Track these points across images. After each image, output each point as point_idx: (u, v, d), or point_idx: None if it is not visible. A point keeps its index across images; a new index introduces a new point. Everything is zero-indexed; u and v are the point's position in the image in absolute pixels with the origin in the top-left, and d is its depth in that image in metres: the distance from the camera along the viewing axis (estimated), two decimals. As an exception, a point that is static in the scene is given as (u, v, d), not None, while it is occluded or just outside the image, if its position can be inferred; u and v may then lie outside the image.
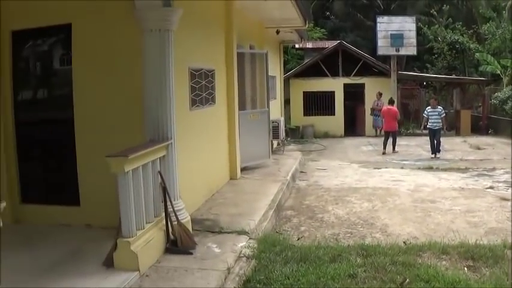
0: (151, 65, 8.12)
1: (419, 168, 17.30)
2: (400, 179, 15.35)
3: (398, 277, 7.02)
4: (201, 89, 11.08)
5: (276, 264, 7.49)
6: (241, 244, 8.40)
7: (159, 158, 8.01)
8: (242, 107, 14.74)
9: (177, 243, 7.93)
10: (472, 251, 8.12)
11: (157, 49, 8.08)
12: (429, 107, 20.66)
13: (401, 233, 9.66)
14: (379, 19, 30.35)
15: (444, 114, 20.48)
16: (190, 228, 8.57)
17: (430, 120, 20.21)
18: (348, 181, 15.09)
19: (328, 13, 48.16)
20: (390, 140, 22.09)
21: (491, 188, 13.73)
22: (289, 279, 6.97)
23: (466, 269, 7.58)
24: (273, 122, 18.59)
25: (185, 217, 8.49)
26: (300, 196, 13.02)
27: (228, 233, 8.97)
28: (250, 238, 8.77)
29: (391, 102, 23.46)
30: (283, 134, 20.14)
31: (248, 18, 16.51)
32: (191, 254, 7.90)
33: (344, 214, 11.08)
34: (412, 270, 7.26)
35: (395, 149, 22.23)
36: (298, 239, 9.29)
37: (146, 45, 8.09)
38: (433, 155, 20.01)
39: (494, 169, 16.82)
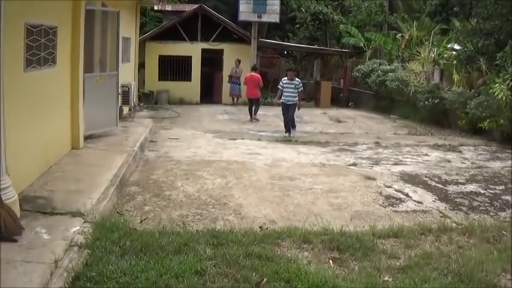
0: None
1: (277, 141, 16.77)
2: (257, 151, 14.74)
3: (254, 275, 6.23)
4: (39, 48, 9.80)
5: (112, 256, 6.52)
6: (75, 229, 7.38)
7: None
8: (89, 69, 13.57)
9: (0, 229, 6.79)
10: (338, 240, 7.55)
11: None
12: (285, 78, 18.34)
13: (257, 216, 8.95)
14: (242, -18, 29.38)
15: (301, 89, 18.23)
16: (18, 209, 7.49)
17: (284, 94, 18.05)
18: (200, 153, 14.28)
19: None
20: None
21: (354, 165, 13.38)
22: (125, 275, 6.02)
23: (331, 262, 6.94)
24: (123, 87, 17.64)
25: (11, 196, 7.34)
26: (148, 169, 12.04)
27: (62, 214, 7.92)
28: (85, 221, 7.76)
29: (254, 69, 23.56)
30: (135, 100, 19.00)
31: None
32: (16, 241, 6.80)
33: (194, 191, 10.23)
34: (270, 265, 6.50)
35: (256, 116, 22.12)
36: (141, 222, 8.40)
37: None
38: (286, 134, 17.93)
39: (356, 144, 16.58)
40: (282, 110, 18.40)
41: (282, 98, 18.16)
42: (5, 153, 7.38)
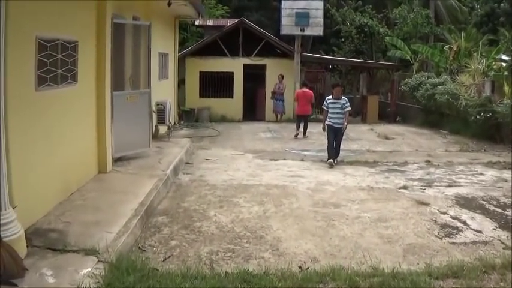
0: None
1: (321, 161, 15.44)
2: (299, 174, 13.56)
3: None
4: (56, 64, 8.89)
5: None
6: (85, 271, 6.39)
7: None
8: (118, 87, 12.72)
9: (-2, 271, 5.86)
10: (389, 283, 6.46)
11: None
12: (330, 97, 15.46)
13: (297, 252, 7.81)
14: (284, -4, 28.40)
15: (349, 108, 15.34)
16: (23, 246, 6.68)
17: (330, 116, 15.18)
18: (238, 176, 13.14)
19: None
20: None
21: (404, 187, 12.08)
22: None
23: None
24: (158, 105, 16.74)
25: (15, 232, 6.50)
26: (179, 195, 10.99)
27: (74, 251, 6.97)
28: (99, 261, 6.75)
29: (305, 84, 22.77)
30: (172, 118, 18.06)
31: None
32: (16, 286, 5.89)
33: (228, 222, 9.15)
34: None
35: (306, 134, 21.16)
36: (164, 260, 7.35)
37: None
38: (331, 161, 14.90)
39: (406, 163, 15.32)
40: (328, 134, 15.33)
41: (328, 120, 15.25)
42: (8, 183, 6.56)
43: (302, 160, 15.59)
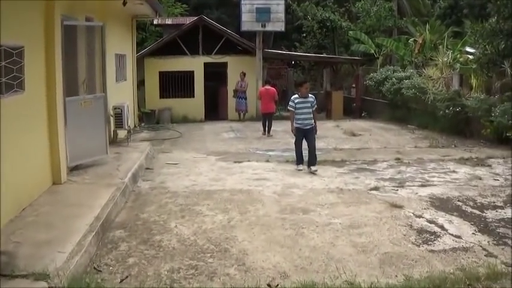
0: None
1: (287, 161, 15.00)
2: (265, 176, 13.08)
3: None
4: (-1, 73, 8.30)
5: None
6: (34, 300, 5.82)
7: None
8: (72, 92, 12.11)
9: None
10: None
11: None
12: (296, 96, 14.07)
13: (266, 266, 7.28)
14: (243, -10, 27.82)
15: (316, 106, 14.15)
16: None
17: (298, 116, 13.87)
18: (201, 181, 12.62)
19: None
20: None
21: (376, 189, 11.64)
22: None
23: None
24: (115, 109, 16.22)
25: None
26: (138, 205, 10.40)
27: (23, 276, 6.37)
28: (50, 287, 6.18)
29: (267, 82, 22.64)
30: (131, 121, 17.47)
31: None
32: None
33: (190, 234, 8.61)
34: None
35: (271, 132, 20.96)
36: (120, 281, 6.80)
37: None
38: (301, 167, 13.92)
39: (375, 161, 14.92)
40: (296, 139, 14.17)
41: (296, 122, 13.95)
42: None
43: (267, 161, 15.13)
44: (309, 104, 13.88)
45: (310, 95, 14.16)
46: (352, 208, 10.12)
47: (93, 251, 7.79)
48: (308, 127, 13.87)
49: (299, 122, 13.89)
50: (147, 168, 14.00)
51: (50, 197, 10.11)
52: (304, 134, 13.97)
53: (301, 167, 13.87)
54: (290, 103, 14.12)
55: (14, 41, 8.89)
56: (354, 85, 31.12)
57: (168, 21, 31.04)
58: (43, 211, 9.14)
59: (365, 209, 10.02)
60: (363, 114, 28.22)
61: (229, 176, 13.12)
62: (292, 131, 14.28)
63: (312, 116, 13.92)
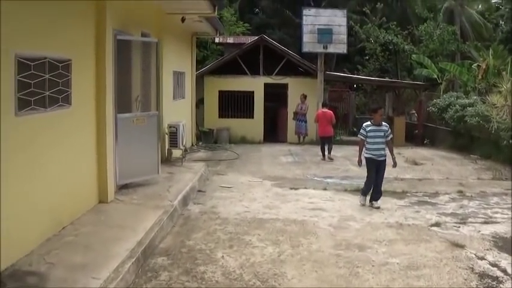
0: None
1: (345, 190, 14.27)
2: (321, 206, 12.35)
3: None
4: (43, 86, 7.90)
5: None
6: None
7: None
8: (124, 109, 11.75)
9: None
10: None
11: None
12: (369, 123, 12.67)
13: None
14: (305, 11, 27.15)
15: (392, 136, 12.90)
16: None
17: (370, 146, 12.46)
18: (254, 208, 12.01)
19: (256, 9, 45.82)
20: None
21: (437, 225, 10.81)
22: None
23: None
24: (170, 127, 15.74)
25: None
26: (185, 231, 9.86)
27: (51, 303, 5.91)
28: (78, 317, 5.70)
29: (325, 105, 21.88)
30: (185, 141, 17.01)
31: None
32: None
33: (236, 267, 8.01)
34: None
35: (331, 155, 20.51)
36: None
37: None
38: (363, 199, 12.69)
39: (437, 194, 14.03)
40: (369, 169, 12.63)
41: (368, 152, 12.53)
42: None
43: (325, 189, 14.42)
44: (382, 133, 12.51)
45: (383, 123, 12.77)
46: (411, 246, 9.35)
47: (131, 279, 7.27)
48: (381, 158, 12.50)
49: (371, 152, 12.50)
50: (200, 191, 13.49)
51: (93, 216, 9.69)
52: (378, 167, 12.54)
53: (364, 201, 12.62)
54: (361, 131, 12.75)
55: (60, 53, 8.52)
56: (413, 111, 30.28)
57: (230, 40, 30.68)
58: (84, 231, 8.71)
59: (425, 248, 9.25)
60: (425, 142, 27.27)
61: (284, 204, 12.48)
62: (358, 162, 13.19)
63: (385, 146, 12.57)
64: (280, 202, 12.68)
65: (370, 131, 12.47)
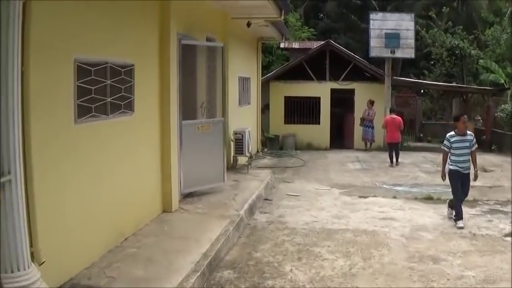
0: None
1: (416, 198, 13.73)
2: (392, 215, 11.84)
3: None
4: (103, 92, 7.60)
5: None
6: None
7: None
8: (189, 115, 11.51)
9: None
10: None
11: None
12: (453, 133, 11.64)
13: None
14: (372, 16, 26.56)
15: (476, 146, 11.75)
16: None
17: (455, 158, 11.45)
18: (322, 217, 11.55)
19: (321, 14, 45.36)
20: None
21: (511, 235, 10.18)
22: None
23: None
24: (236, 134, 15.41)
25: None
26: (252, 242, 9.47)
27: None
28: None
29: (393, 111, 21.57)
30: (251, 148, 16.64)
31: (204, 2, 13.05)
32: None
33: (306, 281, 7.57)
34: None
35: (399, 161, 20.23)
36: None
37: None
38: (461, 224, 11.02)
39: (509, 202, 13.34)
40: (454, 183, 11.59)
41: (453, 164, 11.49)
42: (28, 233, 5.25)
43: (394, 197, 13.89)
44: (467, 143, 11.51)
45: (468, 132, 11.74)
46: (486, 258, 8.77)
47: (196, 295, 6.90)
48: (467, 171, 11.54)
49: (456, 164, 11.48)
50: (266, 199, 13.12)
51: (157, 226, 9.39)
52: (464, 180, 11.58)
53: (462, 223, 11.01)
54: (445, 142, 11.75)
55: (123, 58, 8.24)
56: (478, 116, 29.38)
57: (295, 45, 30.30)
58: (146, 242, 8.40)
59: (500, 260, 8.67)
60: (492, 148, 26.33)
61: (353, 213, 12.01)
62: (442, 176, 12.06)
63: (470, 158, 11.58)
64: (349, 211, 12.22)
65: (454, 141, 11.52)
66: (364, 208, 12.56)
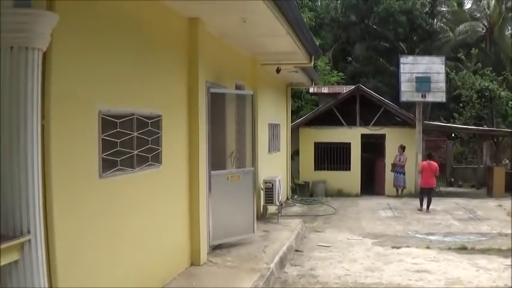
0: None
1: (449, 248, 13.20)
2: (426, 267, 11.34)
3: None
4: (129, 145, 7.37)
5: None
6: None
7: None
8: (218, 165, 11.23)
9: None
10: None
11: (7, 81, 4.67)
12: None
13: None
14: (402, 59, 26.28)
15: None
16: None
17: None
18: (355, 270, 11.12)
19: (349, 58, 45.29)
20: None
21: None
22: None
23: None
24: (266, 183, 15.10)
25: None
26: (282, 299, 9.13)
27: None
28: None
29: (429, 156, 21.38)
30: (281, 197, 16.32)
31: (232, 49, 12.94)
32: None
33: None
34: None
35: (430, 207, 19.95)
36: None
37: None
38: None
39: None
40: None
41: None
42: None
43: (428, 247, 13.37)
44: None
45: None
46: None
47: None
48: None
49: None
50: (297, 250, 12.72)
51: (184, 280, 9.05)
52: None
53: None
54: None
55: (149, 109, 8.01)
56: (506, 160, 28.92)
57: (325, 90, 30.05)
58: (173, 301, 8.06)
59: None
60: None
61: (386, 266, 11.55)
62: None
63: None
64: (382, 263, 11.77)
65: None
66: (397, 259, 12.10)
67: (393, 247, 13.44)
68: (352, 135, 26.56)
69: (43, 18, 4.79)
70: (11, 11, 4.59)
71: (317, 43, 16.27)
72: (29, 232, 4.66)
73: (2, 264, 4.48)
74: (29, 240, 4.68)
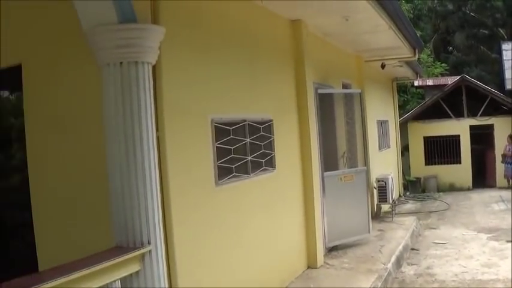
0: (112, 122, 4.83)
1: None
2: (543, 262, 10.87)
3: None
4: (242, 151, 7.44)
5: None
6: None
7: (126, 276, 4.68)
8: (330, 166, 11.18)
9: None
10: None
11: (120, 96, 4.77)
12: None
13: None
14: (504, 46, 25.43)
15: None
16: None
17: None
18: (471, 266, 10.76)
19: (450, 48, 44.21)
20: None
21: None
22: None
23: None
24: (378, 181, 14.92)
25: None
26: (402, 299, 8.95)
27: None
28: None
29: None
30: (394, 194, 16.06)
31: (337, 48, 12.87)
32: None
33: None
34: None
35: None
36: None
37: (105, 90, 4.82)
38: None
39: None
40: None
41: None
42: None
43: (545, 240, 12.81)
44: None
45: None
46: None
47: None
48: None
49: None
50: (413, 249, 12.47)
51: (303, 284, 9.03)
52: None
53: None
54: None
55: (260, 114, 8.04)
56: None
57: (429, 82, 29.37)
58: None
59: None
60: None
61: (502, 261, 11.09)
62: None
63: None
64: (498, 258, 11.32)
65: None
66: (513, 254, 11.67)
67: (508, 241, 12.88)
68: (460, 127, 25.80)
69: (150, 32, 4.87)
70: (117, 28, 4.66)
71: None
72: (149, 243, 4.75)
73: (123, 276, 4.55)
74: (150, 251, 4.76)
